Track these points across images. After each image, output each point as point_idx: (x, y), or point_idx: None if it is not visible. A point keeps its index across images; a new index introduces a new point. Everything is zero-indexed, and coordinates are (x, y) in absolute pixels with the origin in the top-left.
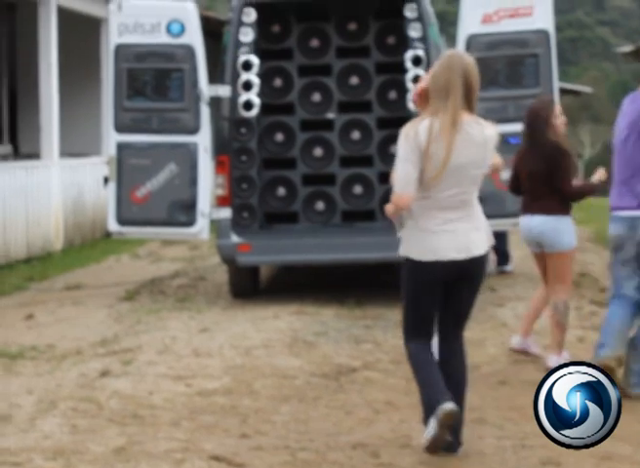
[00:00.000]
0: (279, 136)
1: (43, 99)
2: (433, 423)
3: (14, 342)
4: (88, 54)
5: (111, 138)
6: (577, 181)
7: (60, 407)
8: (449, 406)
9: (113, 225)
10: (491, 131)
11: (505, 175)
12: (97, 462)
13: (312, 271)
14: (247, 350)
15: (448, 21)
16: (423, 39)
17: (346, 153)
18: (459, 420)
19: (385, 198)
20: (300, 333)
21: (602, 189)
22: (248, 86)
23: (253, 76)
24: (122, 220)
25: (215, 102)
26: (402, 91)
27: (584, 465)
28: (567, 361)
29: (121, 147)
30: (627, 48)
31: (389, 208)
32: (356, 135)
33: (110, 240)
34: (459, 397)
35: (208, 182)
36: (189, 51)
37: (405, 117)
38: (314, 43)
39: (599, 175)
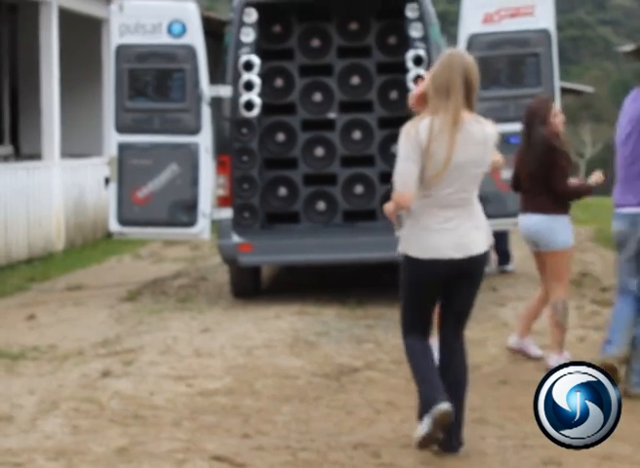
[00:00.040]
0: (280, 137)
1: (44, 100)
2: (427, 421)
3: (15, 343)
4: (89, 54)
5: (112, 139)
6: (576, 181)
7: (61, 407)
8: (444, 406)
9: (114, 226)
10: (491, 129)
11: (506, 174)
12: (98, 463)
13: (314, 271)
14: (248, 350)
15: (449, 21)
16: (425, 39)
17: (347, 153)
18: (459, 419)
19: (386, 198)
20: (302, 333)
21: (598, 190)
22: (249, 86)
23: (254, 76)
24: (123, 221)
25: (216, 103)
26: (403, 91)
27: (585, 465)
28: (568, 360)
29: (122, 148)
30: (629, 47)
31: (388, 207)
32: (357, 134)
33: (112, 240)
34: (459, 397)
35: (209, 183)
36: (190, 51)
37: (406, 117)
38: (315, 43)
39: (596, 177)
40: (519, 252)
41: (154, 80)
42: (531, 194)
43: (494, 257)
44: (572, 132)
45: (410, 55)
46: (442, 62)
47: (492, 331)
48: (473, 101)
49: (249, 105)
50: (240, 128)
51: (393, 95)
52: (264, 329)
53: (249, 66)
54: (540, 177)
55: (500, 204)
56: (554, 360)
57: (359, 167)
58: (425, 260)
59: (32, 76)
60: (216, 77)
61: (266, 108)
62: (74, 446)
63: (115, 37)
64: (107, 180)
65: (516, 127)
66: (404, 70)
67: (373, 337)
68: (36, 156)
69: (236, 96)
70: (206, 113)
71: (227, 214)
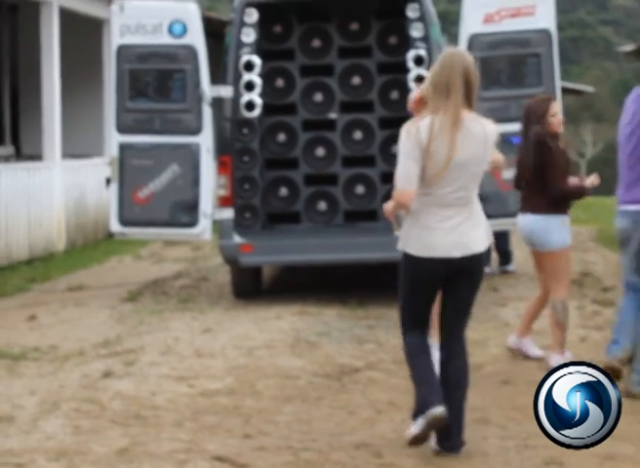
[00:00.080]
0: (281, 137)
1: (45, 101)
2: (421, 422)
3: (16, 343)
4: (90, 55)
5: (113, 139)
6: (576, 180)
7: (62, 408)
8: (438, 410)
9: (115, 226)
10: (491, 127)
11: (507, 174)
12: (99, 463)
13: (315, 271)
14: (249, 350)
15: (450, 21)
16: (425, 39)
17: (348, 153)
18: (460, 419)
19: (387, 198)
20: (303, 334)
21: (599, 190)
22: (250, 86)
23: (255, 76)
24: (124, 221)
25: (217, 103)
26: (404, 91)
27: (587, 465)
28: (569, 360)
29: (123, 148)
30: (629, 47)
31: (388, 207)
32: (358, 135)
33: (112, 241)
34: (460, 396)
35: (210, 183)
36: (191, 51)
37: (407, 117)
38: (316, 43)
39: (592, 180)
40: (520, 252)
41: (155, 80)
42: (527, 194)
43: (495, 258)
44: (573, 132)
45: (411, 55)
46: (442, 62)
47: (493, 332)
48: (473, 100)
49: (250, 106)
50: (241, 128)
51: (394, 95)
52: (265, 329)
53: (250, 67)
54: (535, 177)
55: (500, 204)
56: (555, 360)
57: (360, 167)
58: (424, 258)
59: (33, 76)
60: (216, 77)
61: (267, 108)
62: (75, 446)
63: (116, 37)
64: (108, 181)
65: (518, 127)
66: (405, 70)
67: (374, 338)
68: (37, 156)
69: (237, 96)
70: (207, 113)
71: (228, 214)
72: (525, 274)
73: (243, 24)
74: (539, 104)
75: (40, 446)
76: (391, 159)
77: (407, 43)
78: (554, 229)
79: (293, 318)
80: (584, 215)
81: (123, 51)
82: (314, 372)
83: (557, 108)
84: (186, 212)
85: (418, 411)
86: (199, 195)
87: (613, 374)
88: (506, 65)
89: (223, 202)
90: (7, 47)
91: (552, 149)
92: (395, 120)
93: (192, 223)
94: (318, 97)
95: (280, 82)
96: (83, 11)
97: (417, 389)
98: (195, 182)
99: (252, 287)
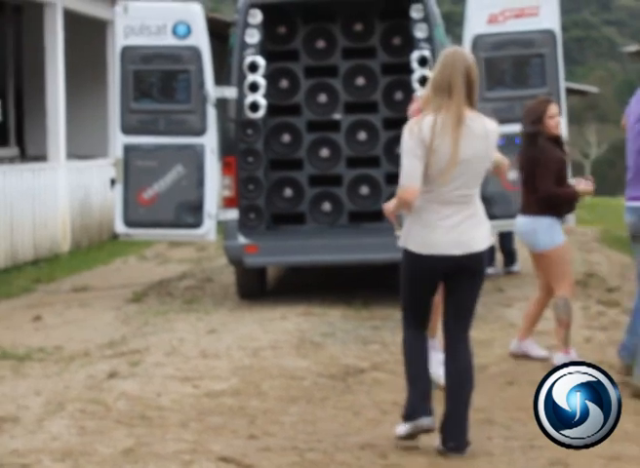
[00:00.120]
0: (285, 138)
1: (49, 102)
2: (409, 427)
3: (21, 344)
4: (94, 56)
5: (118, 140)
6: (579, 181)
7: (67, 408)
8: (426, 422)
9: (120, 227)
10: (492, 126)
11: (512, 174)
12: (105, 464)
13: (319, 272)
14: (254, 351)
15: (454, 22)
16: (429, 40)
17: (353, 154)
18: (465, 420)
19: (392, 198)
20: (308, 334)
21: (603, 190)
22: (254, 87)
23: (259, 77)
24: (129, 222)
25: (221, 104)
26: (408, 91)
27: (593, 466)
28: (574, 358)
29: (128, 149)
30: (633, 47)
31: (388, 206)
32: (362, 135)
33: (117, 242)
34: (464, 396)
35: (215, 184)
36: (195, 52)
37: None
38: (320, 44)
39: (584, 185)
40: (525, 252)
41: (159, 81)
42: (522, 194)
43: (499, 258)
44: (577, 132)
45: (415, 55)
46: (444, 61)
47: (498, 332)
48: (474, 99)
49: (254, 106)
50: (245, 129)
51: (398, 95)
52: (270, 330)
53: (254, 67)
54: (525, 177)
55: (505, 204)
56: (559, 358)
57: (364, 168)
58: (425, 256)
59: (37, 77)
60: (221, 78)
61: (272, 109)
62: (80, 446)
63: (120, 38)
64: (113, 182)
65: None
66: (409, 71)
67: (379, 338)
68: (42, 157)
69: (241, 97)
70: (211, 114)
71: (233, 215)
72: (530, 274)
73: (247, 25)
74: (536, 106)
75: (45, 446)
76: (396, 160)
77: (411, 44)
78: (541, 230)
79: (297, 319)
80: (589, 216)
81: (127, 52)
82: (319, 373)
83: (555, 110)
84: (191, 212)
85: (407, 416)
86: (204, 196)
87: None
88: (510, 66)
89: (228, 203)
90: (11, 48)
91: (543, 149)
92: (399, 121)
93: (197, 224)
94: (322, 97)
95: (284, 83)
96: (87, 12)
97: (408, 390)
98: (200, 183)
99: (256, 287)
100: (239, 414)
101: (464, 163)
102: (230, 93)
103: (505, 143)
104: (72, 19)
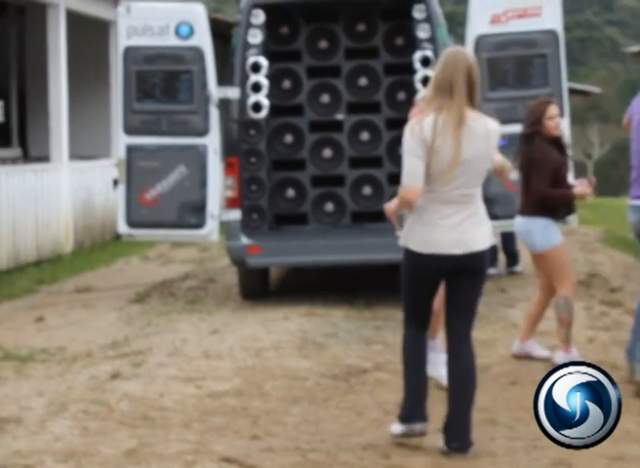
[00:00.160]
0: (288, 138)
1: (52, 102)
2: (403, 429)
3: (24, 345)
4: (97, 56)
5: (120, 141)
6: (579, 183)
7: (70, 409)
8: (419, 427)
9: (123, 228)
10: (493, 125)
11: (514, 175)
12: (107, 464)
13: (322, 272)
14: (257, 352)
15: (456, 22)
16: (432, 40)
17: (355, 154)
18: (468, 420)
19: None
20: (310, 335)
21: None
22: (257, 87)
23: (262, 78)
24: (132, 223)
25: (224, 104)
26: (411, 92)
27: (596, 466)
28: (576, 357)
29: (130, 150)
30: (636, 48)
31: (389, 206)
32: (365, 136)
33: (120, 242)
34: (467, 396)
35: (217, 184)
36: (198, 53)
37: None
38: (323, 44)
39: (582, 188)
40: (527, 253)
41: (162, 82)
42: (521, 195)
43: (502, 259)
44: (579, 132)
45: (417, 56)
46: (445, 61)
47: (501, 332)
48: (475, 99)
49: (257, 107)
50: (248, 129)
51: (401, 96)
52: (273, 330)
53: (256, 68)
54: (522, 177)
55: (507, 205)
56: (560, 356)
57: (367, 168)
58: (425, 255)
59: (40, 78)
60: (223, 79)
61: (274, 110)
62: (83, 447)
63: (123, 39)
64: (116, 182)
65: None
66: (411, 71)
67: (381, 339)
68: (44, 158)
69: (244, 97)
70: (214, 115)
71: (236, 215)
72: (532, 275)
73: (250, 26)
74: (536, 107)
75: (48, 447)
76: (398, 160)
77: (413, 44)
78: (536, 231)
79: (300, 319)
80: (592, 216)
81: (130, 52)
82: (322, 374)
83: (555, 111)
84: (194, 213)
85: (402, 418)
86: (206, 196)
87: None
88: (513, 66)
89: (231, 203)
90: (14, 49)
91: (539, 150)
92: (402, 121)
93: (199, 225)
94: (325, 98)
95: (287, 83)
96: (90, 13)
97: (404, 390)
98: (202, 184)
99: (259, 288)
100: (242, 415)
101: (466, 163)
102: (233, 93)
103: (508, 144)
104: (75, 20)
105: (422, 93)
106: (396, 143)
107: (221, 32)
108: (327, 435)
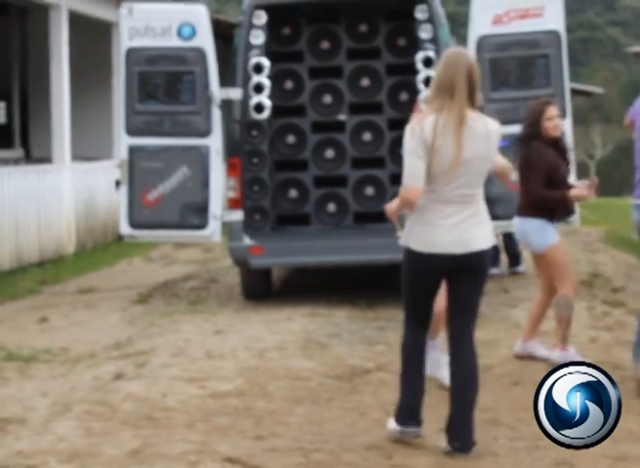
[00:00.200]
0: (290, 139)
1: (54, 103)
2: (398, 430)
3: (27, 345)
4: (99, 57)
5: (123, 142)
6: (580, 184)
7: (74, 409)
8: (412, 430)
9: (125, 228)
10: (494, 126)
11: (515, 175)
12: (111, 465)
13: (324, 273)
14: (260, 352)
15: (458, 23)
16: (434, 40)
17: (358, 155)
18: (470, 420)
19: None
20: (313, 335)
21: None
22: (259, 88)
23: (264, 78)
24: (134, 224)
25: (226, 105)
26: (413, 92)
27: (599, 466)
28: (573, 356)
29: (133, 150)
30: (638, 48)
31: (390, 206)
32: (367, 136)
33: (122, 243)
34: (469, 396)
35: (220, 185)
36: (200, 54)
37: None
38: (325, 45)
39: (580, 190)
40: (529, 253)
41: (164, 83)
42: (519, 196)
43: (504, 259)
44: (582, 133)
45: (419, 56)
46: (446, 61)
47: (504, 333)
48: (475, 99)
49: (259, 108)
50: (250, 130)
51: (403, 96)
52: (276, 330)
53: (259, 69)
54: (520, 178)
55: (509, 205)
56: (557, 355)
57: (369, 168)
58: (426, 254)
59: (42, 79)
60: (226, 79)
61: (276, 110)
62: (87, 448)
63: (125, 40)
64: (118, 183)
65: None
66: (414, 72)
67: (384, 339)
68: (47, 159)
69: (246, 98)
70: (216, 115)
71: (238, 216)
72: (535, 275)
73: (252, 26)
74: (535, 107)
75: (52, 447)
76: (400, 160)
77: (416, 44)
78: (532, 232)
79: (303, 319)
80: (594, 216)
81: (132, 53)
82: (325, 374)
83: (554, 112)
84: (196, 214)
85: (397, 419)
86: (209, 197)
87: None
88: (515, 66)
89: (233, 204)
90: (16, 50)
91: (535, 151)
92: (404, 121)
93: (202, 225)
94: (327, 98)
95: (289, 84)
96: (92, 14)
97: (401, 389)
98: (205, 184)
99: (262, 288)
100: (245, 415)
101: (466, 163)
102: (235, 94)
103: (509, 144)
104: (77, 21)
105: (425, 93)
106: (398, 144)
107: (224, 33)
108: (330, 435)
